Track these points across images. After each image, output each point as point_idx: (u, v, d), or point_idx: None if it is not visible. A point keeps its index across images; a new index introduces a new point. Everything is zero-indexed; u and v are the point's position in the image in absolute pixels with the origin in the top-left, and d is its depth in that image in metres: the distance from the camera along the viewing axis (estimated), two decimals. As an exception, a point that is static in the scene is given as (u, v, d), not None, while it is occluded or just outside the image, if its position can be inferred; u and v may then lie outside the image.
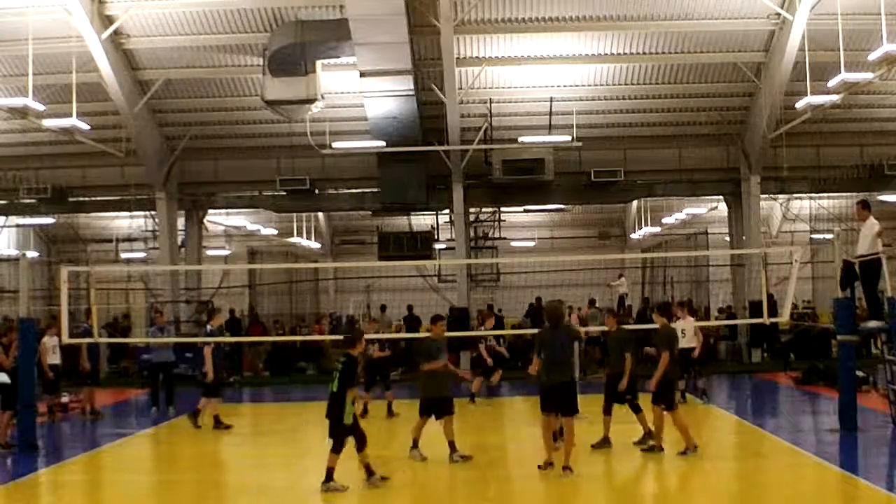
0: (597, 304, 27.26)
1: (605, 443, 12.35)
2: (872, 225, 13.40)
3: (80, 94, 21.81)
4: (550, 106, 25.32)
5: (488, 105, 25.34)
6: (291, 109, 23.36)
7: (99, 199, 28.31)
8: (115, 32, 22.18)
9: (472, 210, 28.57)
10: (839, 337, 14.17)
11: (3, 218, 29.97)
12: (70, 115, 21.11)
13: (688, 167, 27.15)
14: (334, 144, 24.55)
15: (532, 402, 13.29)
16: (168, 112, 26.14)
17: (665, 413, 11.95)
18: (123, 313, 26.62)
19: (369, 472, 10.58)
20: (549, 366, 11.19)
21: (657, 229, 34.77)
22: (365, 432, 10.51)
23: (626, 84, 25.09)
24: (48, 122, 22.20)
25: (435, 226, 29.71)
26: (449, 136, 24.70)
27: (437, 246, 29.74)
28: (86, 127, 22.15)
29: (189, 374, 22.86)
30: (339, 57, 22.57)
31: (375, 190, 27.42)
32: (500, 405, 18.59)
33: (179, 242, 28.69)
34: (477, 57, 23.73)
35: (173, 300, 27.01)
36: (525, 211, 33.10)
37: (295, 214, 33.38)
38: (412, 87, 22.63)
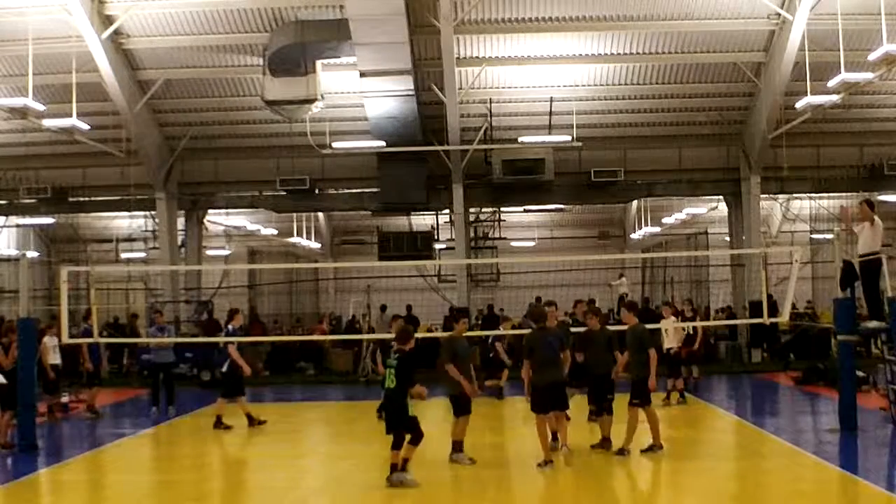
0: (596, 304, 27.22)
1: (605, 443, 12.29)
2: (877, 224, 13.37)
3: (80, 94, 21.82)
4: (550, 106, 25.33)
5: (488, 105, 25.35)
6: (291, 109, 23.37)
7: (99, 199, 28.31)
8: (115, 32, 22.19)
9: (472, 210, 28.59)
10: (839, 337, 14.16)
11: (3, 218, 29.99)
12: (70, 115, 21.13)
13: (688, 167, 27.17)
14: (334, 144, 24.56)
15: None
16: (168, 112, 26.15)
17: (641, 410, 11.97)
18: (132, 313, 26.56)
19: (402, 468, 10.44)
20: (540, 366, 11.34)
21: (657, 229, 34.77)
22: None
23: (626, 84, 25.10)
24: (48, 122, 22.22)
25: (435, 226, 29.71)
26: (449, 136, 24.70)
27: (437, 246, 29.74)
28: (86, 127, 22.16)
29: (189, 374, 22.93)
30: (339, 57, 22.59)
31: (375, 190, 27.43)
32: (499, 405, 18.57)
33: (179, 242, 28.69)
34: (477, 57, 23.73)
35: (173, 300, 27.01)
36: (525, 211, 33.12)
37: (295, 214, 33.38)
38: (412, 87, 22.64)
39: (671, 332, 17.50)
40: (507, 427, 15.57)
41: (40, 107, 20.93)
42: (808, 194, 28.61)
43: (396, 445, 10.40)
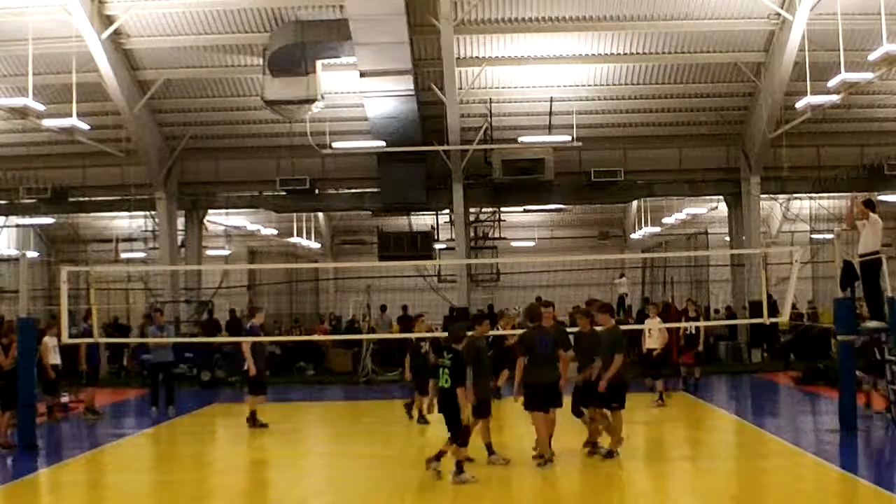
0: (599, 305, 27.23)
1: (594, 446, 12.14)
2: (875, 222, 13.36)
3: (80, 94, 21.80)
4: (550, 106, 25.32)
5: (488, 105, 25.34)
6: (291, 109, 23.37)
7: (99, 199, 28.30)
8: (115, 32, 22.18)
9: (472, 210, 28.58)
10: (839, 337, 14.16)
11: (3, 218, 29.98)
12: (70, 115, 21.11)
13: (688, 167, 27.16)
14: (334, 144, 24.55)
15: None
16: (168, 112, 26.14)
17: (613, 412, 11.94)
18: (144, 313, 26.55)
19: (460, 468, 10.66)
20: (535, 365, 11.45)
21: (657, 229, 34.76)
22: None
23: (626, 84, 25.09)
24: (48, 122, 22.20)
25: (435, 226, 29.70)
26: (449, 136, 24.70)
27: (437, 246, 29.73)
28: (86, 127, 22.15)
29: (189, 374, 22.92)
30: (339, 57, 22.59)
31: (375, 190, 27.43)
32: (500, 405, 18.58)
33: (179, 242, 28.69)
34: (477, 57, 23.73)
35: (173, 300, 27.01)
36: (525, 211, 33.10)
37: (295, 214, 33.35)
38: (412, 87, 22.64)
39: (654, 333, 17.52)
40: (507, 427, 15.56)
41: (40, 107, 20.92)
42: (808, 194, 28.59)
43: (462, 442, 10.72)
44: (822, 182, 26.86)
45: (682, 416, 16.97)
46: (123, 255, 32.66)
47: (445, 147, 25.11)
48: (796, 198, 30.64)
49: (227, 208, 30.08)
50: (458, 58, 23.06)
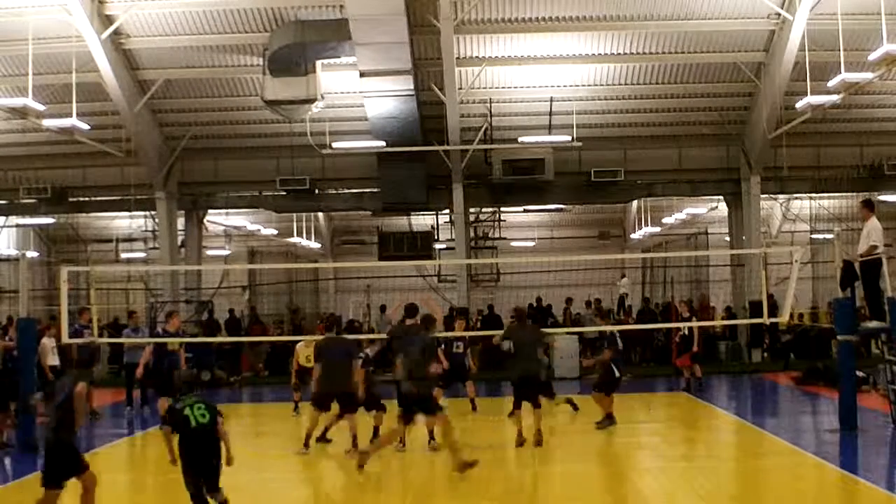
0: (593, 305, 27.36)
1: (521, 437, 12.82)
2: (875, 226, 13.37)
3: (80, 94, 21.81)
4: (550, 106, 25.32)
5: (488, 105, 25.34)
6: (291, 109, 23.36)
7: (99, 199, 28.31)
8: (115, 32, 22.18)
9: (472, 210, 28.58)
10: (839, 337, 14.16)
11: (3, 218, 29.98)
12: (70, 115, 21.12)
13: (688, 167, 27.15)
14: (334, 144, 24.55)
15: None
16: (168, 112, 26.14)
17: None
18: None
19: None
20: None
21: (657, 229, 34.76)
22: None
23: (626, 84, 25.09)
24: (48, 122, 22.21)
25: (435, 226, 29.71)
26: (449, 136, 24.70)
27: (437, 246, 29.74)
28: (86, 127, 22.15)
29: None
30: (339, 57, 22.58)
31: (375, 190, 27.43)
32: (500, 405, 18.58)
33: (179, 242, 28.69)
34: (477, 57, 23.72)
35: (173, 300, 27.01)
36: (525, 211, 33.10)
37: (295, 214, 33.36)
38: (412, 87, 22.64)
39: None
40: (507, 427, 15.55)
41: (40, 107, 20.92)
42: (808, 194, 28.59)
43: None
44: (822, 182, 26.86)
45: (682, 416, 16.98)
46: (123, 255, 32.67)
47: (445, 147, 25.11)
48: (796, 198, 30.64)
49: (227, 208, 30.10)
50: (458, 58, 23.06)
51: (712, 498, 10.04)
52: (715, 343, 26.29)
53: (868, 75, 20.35)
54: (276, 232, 35.23)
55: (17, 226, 31.77)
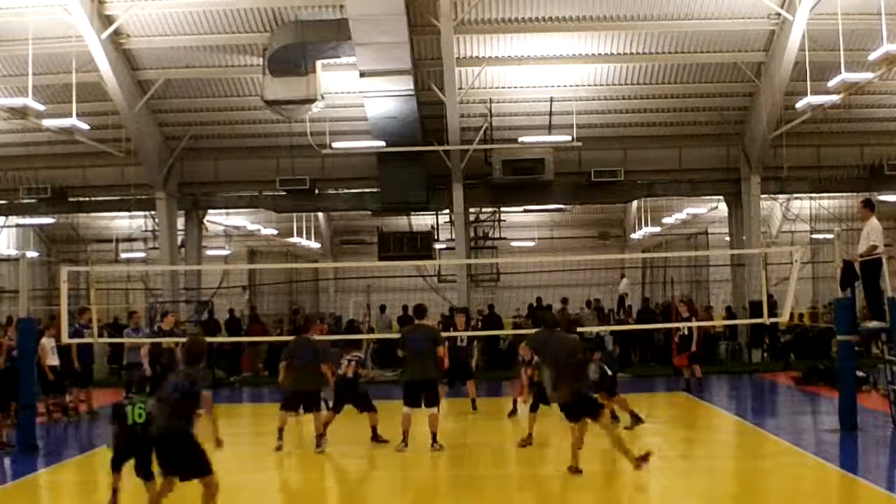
0: (592, 306, 27.42)
1: (528, 439, 12.73)
2: (875, 226, 13.37)
3: (79, 94, 21.81)
4: (550, 106, 25.31)
5: (488, 105, 25.34)
6: (291, 109, 23.37)
7: (99, 199, 28.29)
8: (115, 32, 22.17)
9: (472, 210, 28.57)
10: (839, 337, 14.16)
11: (3, 218, 29.98)
12: (70, 115, 21.12)
13: (688, 167, 27.14)
14: (334, 144, 24.55)
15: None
16: (168, 112, 26.13)
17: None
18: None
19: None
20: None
21: (657, 229, 34.77)
22: None
23: (626, 84, 25.09)
24: (48, 122, 22.21)
25: (435, 226, 29.70)
26: (449, 136, 24.69)
27: (437, 246, 29.73)
28: (86, 127, 22.15)
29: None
30: (339, 57, 22.58)
31: (375, 190, 27.42)
32: (499, 404, 18.58)
33: (179, 242, 28.68)
34: (477, 57, 23.72)
35: (173, 300, 27.00)
36: (525, 211, 33.11)
37: (295, 214, 33.38)
38: (412, 87, 22.64)
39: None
40: (508, 427, 15.56)
41: (40, 107, 20.92)
42: (808, 194, 28.59)
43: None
44: (822, 182, 26.86)
45: (681, 416, 16.98)
46: (123, 255, 32.66)
47: (445, 147, 25.11)
48: (796, 198, 30.65)
49: (227, 208, 30.10)
50: (458, 58, 23.05)
51: (712, 498, 10.04)
52: (715, 343, 26.29)
53: (868, 75, 20.35)
54: (276, 232, 35.24)
55: (17, 226, 31.77)
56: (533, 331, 12.78)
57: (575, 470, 10.79)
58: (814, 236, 30.23)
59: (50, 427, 16.31)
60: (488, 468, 11.86)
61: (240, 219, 33.66)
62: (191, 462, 8.07)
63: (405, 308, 27.47)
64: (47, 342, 16.14)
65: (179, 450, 8.06)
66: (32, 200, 27.64)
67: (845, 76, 19.08)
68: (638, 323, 25.78)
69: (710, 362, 23.89)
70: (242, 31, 22.77)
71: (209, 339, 15.75)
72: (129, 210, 28.45)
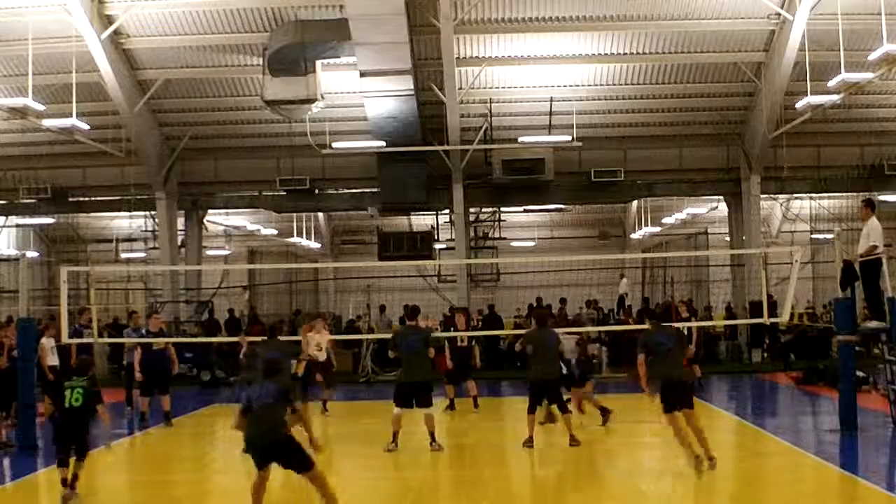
0: (591, 306, 27.40)
1: (530, 441, 12.72)
2: (875, 226, 13.36)
3: (80, 94, 21.82)
4: (550, 106, 25.32)
5: (488, 105, 25.35)
6: (291, 109, 23.37)
7: (99, 199, 28.33)
8: (115, 32, 22.19)
9: (472, 210, 28.58)
10: (839, 337, 14.15)
11: (3, 218, 29.98)
12: (70, 115, 21.13)
13: (688, 167, 27.16)
14: (334, 144, 24.55)
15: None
16: (168, 112, 26.14)
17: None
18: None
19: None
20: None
21: (657, 229, 34.76)
22: None
23: (626, 84, 25.09)
24: (48, 122, 22.21)
25: (435, 226, 29.70)
26: (449, 136, 24.70)
27: (437, 246, 29.73)
28: (86, 127, 22.16)
29: (189, 374, 22.89)
30: (339, 57, 22.58)
31: (375, 190, 27.42)
32: (500, 404, 18.60)
33: (179, 242, 28.68)
34: (477, 57, 23.73)
35: (173, 300, 27.00)
36: (525, 211, 33.10)
37: (295, 214, 33.37)
38: (412, 87, 22.64)
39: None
40: (508, 427, 15.57)
41: (40, 107, 20.92)
42: (808, 194, 28.59)
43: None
44: (822, 182, 26.88)
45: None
46: (123, 255, 32.66)
47: (445, 147, 25.11)
48: (796, 198, 30.65)
49: (226, 208, 30.12)
50: (458, 58, 23.06)
51: (712, 498, 10.04)
52: (715, 343, 26.29)
53: (868, 75, 20.34)
54: (275, 232, 35.23)
55: (17, 226, 31.78)
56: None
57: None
58: (814, 236, 30.22)
59: (50, 427, 16.28)
60: (487, 468, 11.84)
61: (240, 219, 33.66)
62: (297, 458, 8.40)
63: (406, 308, 27.46)
64: (47, 342, 16.10)
65: (285, 448, 8.40)
66: (32, 200, 27.65)
67: (845, 76, 19.08)
68: (638, 323, 25.72)
69: (710, 362, 23.87)
70: (242, 31, 22.78)
71: (209, 340, 15.81)
72: (129, 210, 28.45)
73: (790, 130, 23.91)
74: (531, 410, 12.72)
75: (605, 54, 23.86)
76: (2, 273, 29.97)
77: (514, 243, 34.82)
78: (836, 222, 26.64)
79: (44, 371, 15.84)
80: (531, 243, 36.81)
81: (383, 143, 24.91)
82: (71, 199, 28.09)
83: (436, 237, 29.26)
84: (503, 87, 25.14)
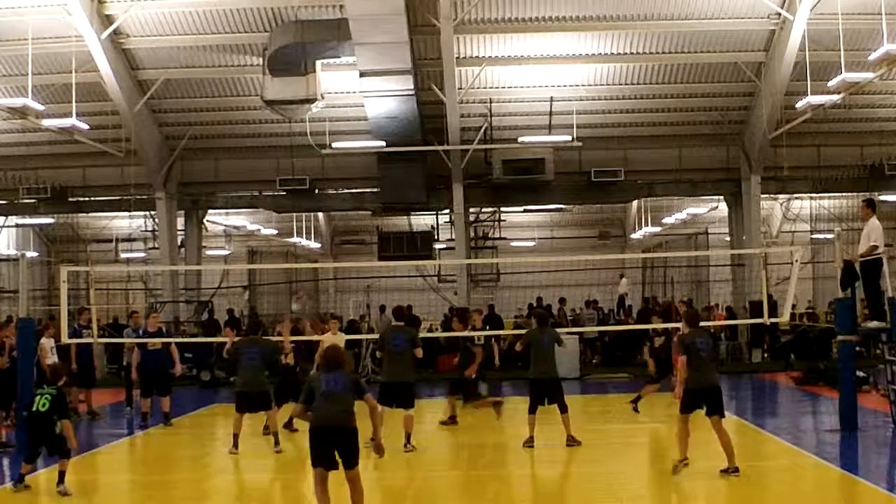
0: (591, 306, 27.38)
1: (531, 441, 12.70)
2: (875, 226, 13.36)
3: (79, 94, 21.82)
4: (550, 106, 25.32)
5: (488, 105, 25.34)
6: (291, 109, 23.36)
7: (99, 199, 28.31)
8: (115, 32, 22.18)
9: (472, 210, 28.57)
10: (839, 337, 14.15)
11: (3, 218, 29.98)
12: (70, 114, 21.12)
13: (688, 167, 27.14)
14: (334, 144, 24.54)
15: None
16: (168, 112, 26.14)
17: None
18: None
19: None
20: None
21: (657, 229, 34.76)
22: None
23: (626, 84, 25.09)
24: (48, 122, 22.20)
25: (435, 226, 29.69)
26: (449, 136, 24.69)
27: (437, 246, 29.72)
28: (85, 127, 22.15)
29: (188, 374, 22.85)
30: (339, 57, 22.58)
31: (375, 190, 27.42)
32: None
33: (179, 242, 28.67)
34: (477, 57, 23.72)
35: (173, 300, 27.00)
36: (525, 211, 33.10)
37: (295, 214, 33.38)
38: (412, 86, 22.62)
39: None
40: (508, 427, 15.55)
41: (40, 107, 20.91)
42: (809, 194, 28.59)
43: None
44: (823, 182, 26.87)
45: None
46: (123, 255, 32.66)
47: (445, 147, 25.11)
48: (796, 198, 30.66)
49: (227, 208, 30.11)
50: (458, 58, 23.06)
51: (712, 498, 10.03)
52: (715, 343, 26.26)
53: (868, 75, 20.33)
54: (275, 232, 35.23)
55: (17, 226, 31.79)
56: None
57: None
58: (814, 236, 30.22)
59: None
60: (488, 468, 11.83)
61: (240, 219, 33.66)
62: (354, 452, 8.43)
63: (408, 308, 27.47)
64: (46, 342, 16.11)
65: (351, 438, 8.40)
66: (32, 200, 27.65)
67: (845, 76, 19.06)
68: (637, 323, 25.74)
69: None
70: (242, 31, 22.78)
71: (209, 340, 15.80)
72: (129, 210, 28.42)
73: (790, 130, 23.90)
74: (532, 410, 12.71)
75: (605, 54, 23.86)
76: (2, 273, 29.99)
77: (514, 243, 34.82)
78: (837, 222, 26.63)
79: (43, 371, 15.85)
80: (531, 243, 36.82)
81: (383, 143, 24.90)
82: (71, 199, 28.08)
83: (436, 237, 29.25)
84: (503, 87, 25.14)
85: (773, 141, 24.94)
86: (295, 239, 34.82)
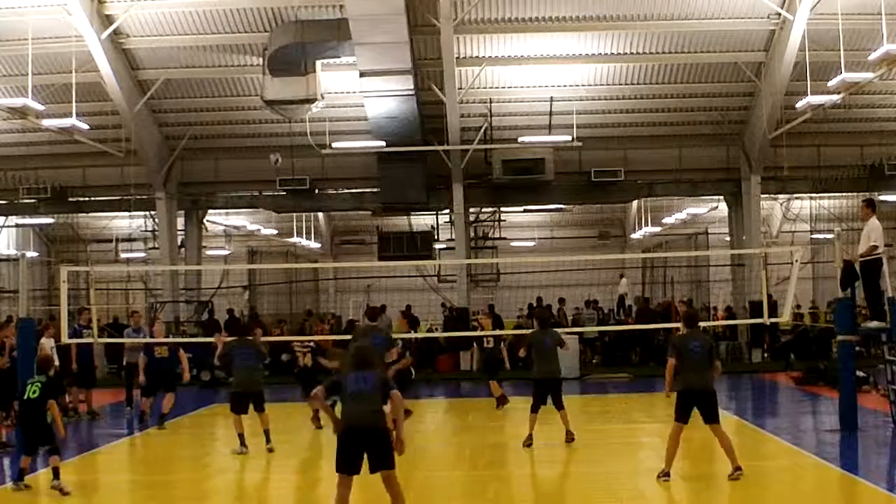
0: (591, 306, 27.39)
1: (530, 439, 12.74)
2: (875, 226, 13.36)
3: (79, 94, 21.82)
4: (550, 106, 25.32)
5: (488, 105, 25.35)
6: (291, 109, 23.37)
7: (99, 199, 28.31)
8: (115, 32, 22.19)
9: (472, 210, 28.57)
10: (839, 337, 14.15)
11: (3, 218, 29.98)
12: (70, 114, 21.13)
13: (688, 167, 27.14)
14: (334, 144, 24.54)
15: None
16: (168, 112, 26.14)
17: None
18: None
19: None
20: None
21: (657, 229, 34.77)
22: None
23: (626, 84, 25.09)
24: (48, 122, 22.20)
25: (435, 226, 29.70)
26: (449, 136, 24.70)
27: (437, 246, 29.73)
28: (85, 127, 22.15)
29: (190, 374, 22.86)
30: (339, 57, 22.58)
31: (375, 190, 27.42)
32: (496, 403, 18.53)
33: (179, 242, 28.67)
34: (477, 57, 23.72)
35: (173, 300, 26.99)
36: (525, 211, 33.10)
37: (295, 214, 33.37)
38: (412, 86, 22.62)
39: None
40: (508, 427, 15.56)
41: (40, 107, 20.91)
42: (809, 194, 28.59)
43: None
44: (823, 182, 26.87)
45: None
46: (123, 255, 32.66)
47: (445, 147, 25.11)
48: (796, 198, 30.66)
49: (227, 208, 30.11)
50: (458, 58, 23.06)
51: (712, 498, 10.03)
52: (715, 343, 26.26)
53: (868, 75, 20.33)
54: (275, 232, 35.23)
55: (17, 226, 31.78)
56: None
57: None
58: (814, 236, 30.22)
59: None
60: (487, 468, 11.84)
61: (240, 219, 33.66)
62: (388, 453, 8.23)
63: (408, 307, 27.51)
64: (46, 342, 16.10)
65: (382, 438, 8.21)
66: (32, 200, 27.65)
67: (845, 76, 19.06)
68: (638, 323, 25.76)
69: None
70: (242, 31, 22.78)
71: (208, 340, 15.81)
72: (129, 210, 28.42)
73: (790, 130, 23.90)
74: (534, 409, 12.72)
75: (605, 54, 23.86)
76: (2, 273, 29.99)
77: (514, 243, 34.82)
78: (836, 222, 26.64)
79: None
80: (531, 243, 36.82)
81: (383, 143, 24.90)
82: (71, 199, 28.08)
83: (436, 237, 29.25)
84: (503, 87, 25.14)
85: (773, 141, 24.94)
86: (295, 239, 34.81)
